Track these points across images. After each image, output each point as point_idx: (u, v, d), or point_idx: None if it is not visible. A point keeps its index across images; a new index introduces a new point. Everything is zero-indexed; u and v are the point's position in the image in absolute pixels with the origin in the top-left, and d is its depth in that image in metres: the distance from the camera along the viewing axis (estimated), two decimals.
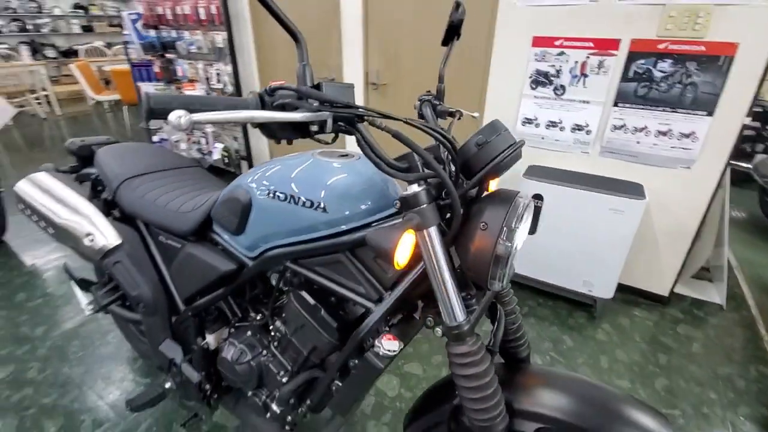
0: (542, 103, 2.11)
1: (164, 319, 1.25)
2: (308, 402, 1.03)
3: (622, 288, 2.32)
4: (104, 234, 1.20)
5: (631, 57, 1.85)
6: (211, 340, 1.18)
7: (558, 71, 2.02)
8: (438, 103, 1.00)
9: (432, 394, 0.96)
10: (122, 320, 1.69)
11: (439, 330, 0.75)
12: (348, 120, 0.66)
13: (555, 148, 2.18)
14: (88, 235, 1.19)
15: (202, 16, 3.00)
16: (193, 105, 0.50)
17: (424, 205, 0.68)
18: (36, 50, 6.82)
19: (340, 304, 0.99)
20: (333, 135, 0.67)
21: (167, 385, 1.24)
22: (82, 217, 1.21)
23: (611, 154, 2.05)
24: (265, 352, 1.11)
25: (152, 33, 3.30)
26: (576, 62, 1.97)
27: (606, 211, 1.87)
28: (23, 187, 1.34)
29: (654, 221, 2.09)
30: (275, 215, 0.90)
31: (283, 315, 1.04)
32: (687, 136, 1.87)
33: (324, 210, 0.83)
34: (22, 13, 6.79)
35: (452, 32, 0.95)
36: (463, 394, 0.73)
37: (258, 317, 1.15)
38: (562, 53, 1.98)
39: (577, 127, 2.07)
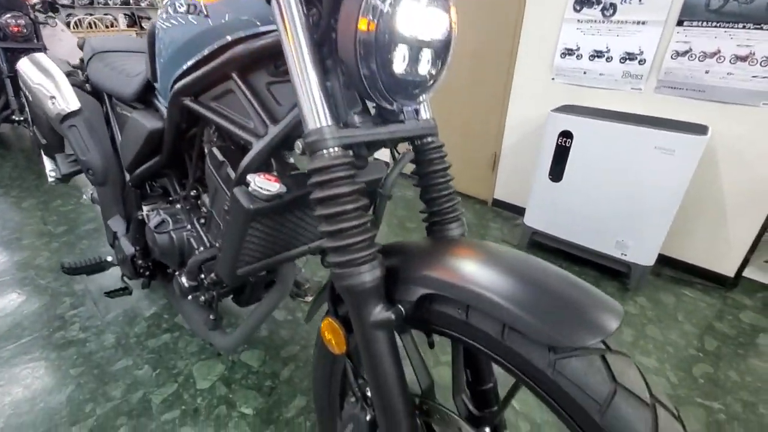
0: (587, 29, 1.78)
1: (115, 193, 1.23)
2: (212, 276, 0.93)
3: (672, 262, 1.89)
4: (66, 98, 1.20)
5: None
6: (146, 212, 1.12)
7: None
8: None
9: None
10: None
11: (299, 144, 0.58)
12: None
13: (599, 85, 1.83)
14: (52, 98, 1.20)
15: None
16: None
17: None
18: (135, 22, 7.65)
19: None
20: None
21: (108, 259, 1.21)
22: (51, 82, 1.23)
23: (670, 90, 1.66)
24: (189, 226, 1.03)
25: None
26: None
27: (651, 150, 1.50)
28: (22, 64, 1.41)
29: (721, 176, 1.65)
30: (169, 37, 0.80)
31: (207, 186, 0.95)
32: None
33: (206, 15, 0.70)
34: None
35: None
36: (321, 228, 0.55)
37: (192, 193, 1.07)
38: None
39: (628, 56, 1.71)
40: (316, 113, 0.54)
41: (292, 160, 0.90)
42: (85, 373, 1.28)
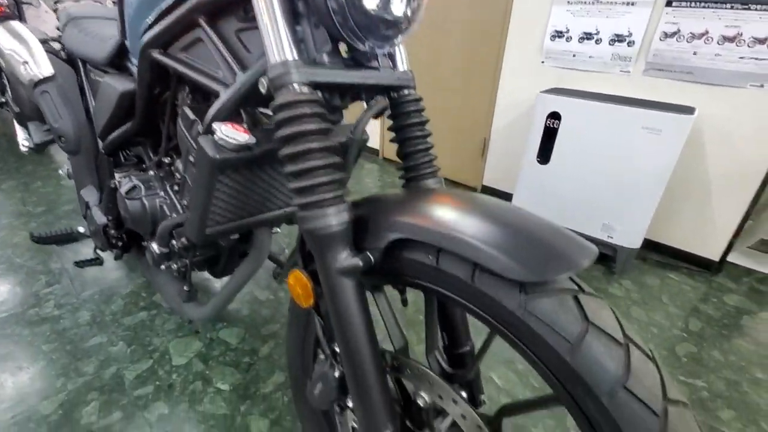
0: (576, 10, 1.76)
1: (89, 162, 1.19)
2: (183, 240, 0.89)
3: (657, 247, 1.89)
4: (38, 63, 1.16)
5: None
6: (117, 178, 1.09)
7: None
8: None
9: None
10: None
11: (263, 82, 0.55)
12: None
13: (588, 68, 1.81)
14: (25, 63, 1.16)
15: None
16: None
17: None
18: None
19: None
20: None
21: (80, 230, 1.18)
22: (24, 48, 1.19)
23: (658, 72, 1.65)
24: (162, 193, 0.99)
25: None
26: None
27: (638, 130, 1.49)
28: None
29: (707, 159, 1.65)
30: None
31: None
32: (762, 41, 1.43)
33: None
34: None
35: None
36: (287, 168, 0.52)
37: (166, 160, 1.03)
38: None
39: (617, 38, 1.70)
40: (279, 46, 0.51)
41: (267, 122, 0.87)
42: (57, 349, 1.24)
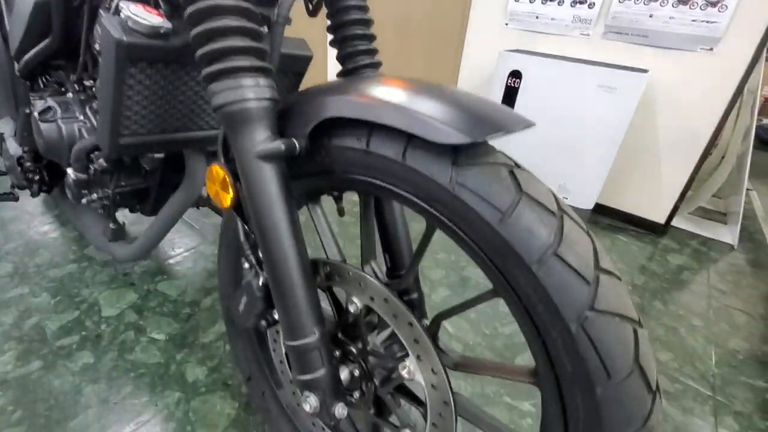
0: None
1: (5, 89, 1.06)
2: (101, 162, 0.80)
3: (608, 211, 1.95)
4: None
5: None
6: (32, 100, 0.97)
7: None
8: None
9: None
10: None
11: None
12: None
13: (550, 30, 1.81)
14: None
15: None
16: None
17: None
18: None
19: None
20: None
21: None
22: None
23: (616, 36, 1.67)
24: (81, 117, 0.89)
25: None
26: None
27: (594, 89, 1.50)
28: None
29: (657, 124, 1.70)
30: None
31: None
32: (714, 4, 1.46)
33: None
34: None
35: None
36: (192, 32, 0.46)
37: (88, 83, 0.92)
38: None
39: (578, 0, 1.70)
40: None
41: None
42: None
